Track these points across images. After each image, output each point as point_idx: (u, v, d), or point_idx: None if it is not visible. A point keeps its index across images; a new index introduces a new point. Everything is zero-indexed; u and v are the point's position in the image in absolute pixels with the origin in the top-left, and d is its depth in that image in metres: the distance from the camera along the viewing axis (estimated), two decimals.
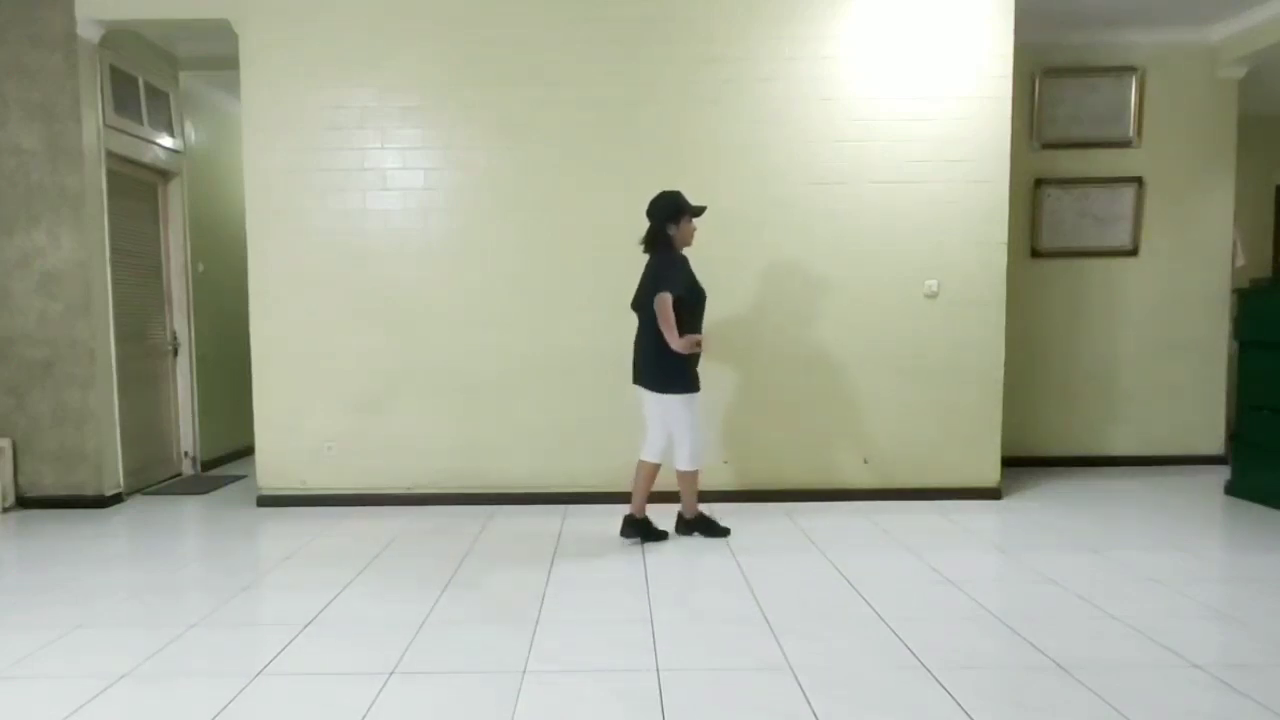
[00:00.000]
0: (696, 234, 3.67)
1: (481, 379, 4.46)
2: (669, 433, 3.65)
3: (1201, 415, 5.40)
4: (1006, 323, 4.48)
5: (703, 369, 4.40)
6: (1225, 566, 3.41)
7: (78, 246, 4.40)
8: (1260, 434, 4.34)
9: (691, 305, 3.57)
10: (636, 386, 3.70)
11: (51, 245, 4.40)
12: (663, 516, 3.85)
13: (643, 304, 3.60)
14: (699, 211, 3.62)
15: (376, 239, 4.43)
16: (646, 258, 3.66)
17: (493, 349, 4.45)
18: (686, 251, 3.66)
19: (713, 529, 3.83)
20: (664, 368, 3.55)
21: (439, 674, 2.39)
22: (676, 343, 3.48)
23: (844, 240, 4.42)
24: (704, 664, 2.43)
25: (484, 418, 4.48)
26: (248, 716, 2.15)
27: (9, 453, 4.41)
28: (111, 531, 4.08)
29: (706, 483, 4.44)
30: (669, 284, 3.48)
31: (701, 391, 3.67)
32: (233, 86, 4.86)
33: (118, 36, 4.64)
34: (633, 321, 4.41)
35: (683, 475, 3.72)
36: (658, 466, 3.72)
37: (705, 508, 4.32)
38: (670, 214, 3.57)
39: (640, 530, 3.73)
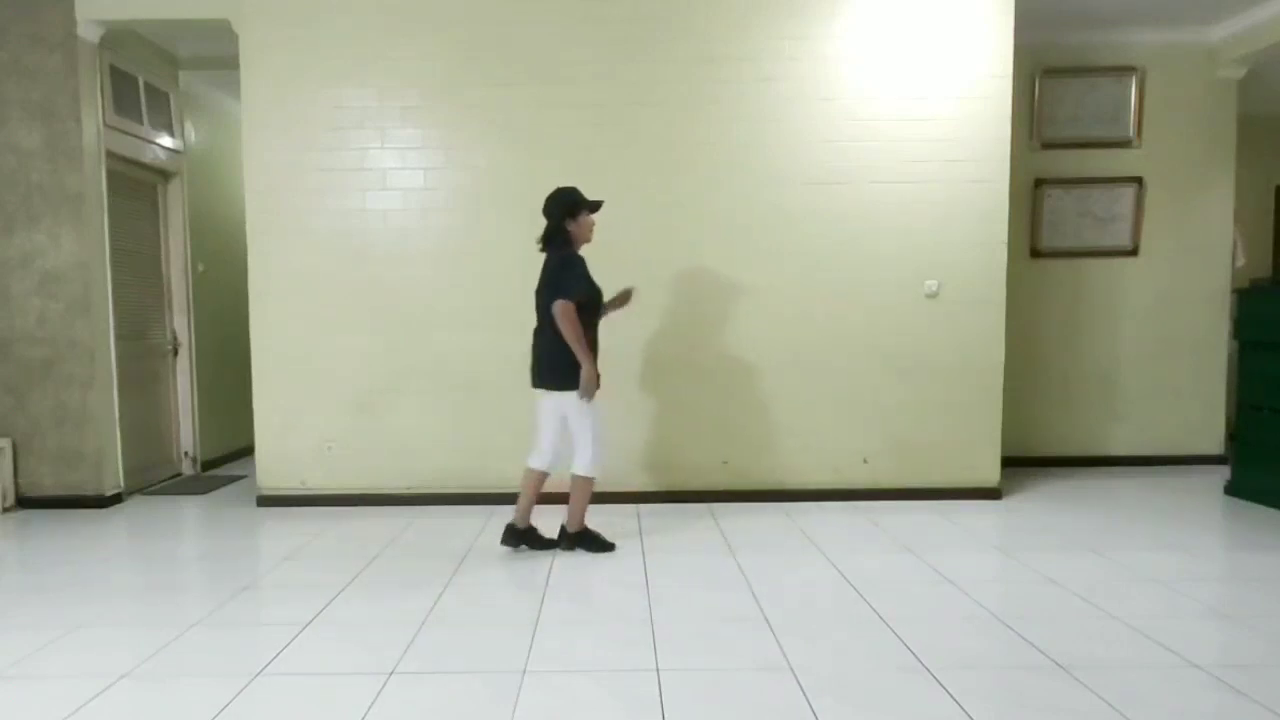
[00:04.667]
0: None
1: (481, 379, 4.46)
2: (562, 435, 3.48)
3: (1201, 415, 5.40)
4: (1006, 323, 4.48)
5: (707, 368, 4.44)
6: (1225, 566, 3.42)
7: (78, 246, 4.40)
8: (1260, 434, 4.33)
9: (591, 307, 3.44)
10: (535, 391, 3.51)
11: (51, 245, 4.40)
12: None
13: (540, 304, 3.45)
14: (597, 206, 3.51)
15: (376, 239, 4.43)
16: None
17: (493, 348, 4.44)
18: (586, 249, 3.49)
19: (597, 543, 3.56)
20: (563, 363, 3.37)
21: (439, 674, 2.39)
22: (585, 358, 3.33)
23: (844, 240, 4.42)
24: (704, 664, 2.43)
25: (484, 418, 4.48)
26: (248, 716, 2.15)
27: (9, 453, 4.41)
28: (111, 531, 4.08)
29: (707, 482, 4.47)
30: (569, 289, 3.32)
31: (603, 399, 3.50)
32: (233, 86, 4.86)
33: (118, 36, 4.64)
34: (634, 320, 4.43)
35: (579, 481, 3.48)
36: (545, 475, 3.56)
37: (706, 507, 4.34)
38: (568, 208, 3.44)
39: (524, 539, 3.57)
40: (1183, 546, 3.61)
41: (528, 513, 3.61)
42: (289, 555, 3.61)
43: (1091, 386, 5.40)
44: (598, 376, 3.40)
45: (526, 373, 4.44)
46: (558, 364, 3.39)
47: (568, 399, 3.43)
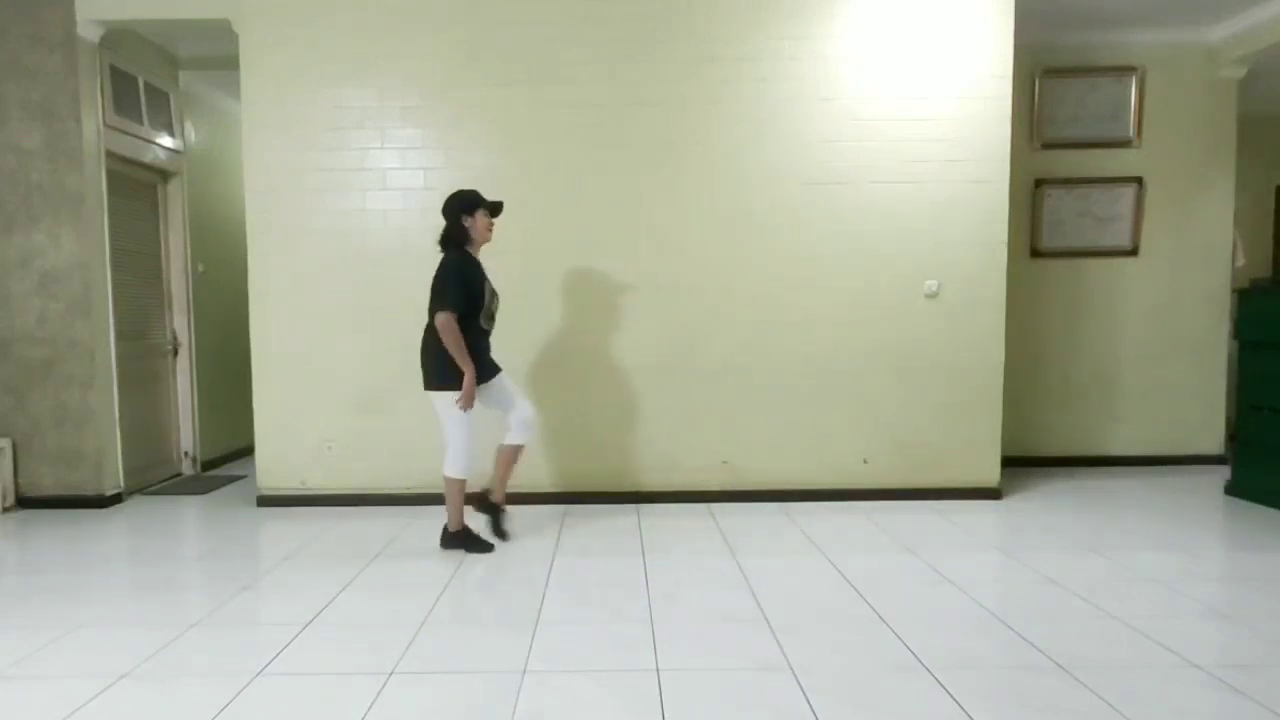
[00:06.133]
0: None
1: None
2: (508, 403, 3.62)
3: (1201, 415, 5.40)
4: (1006, 323, 4.48)
5: (707, 368, 4.44)
6: (1225, 566, 3.41)
7: (78, 246, 4.40)
8: (1260, 434, 4.33)
9: (474, 311, 3.46)
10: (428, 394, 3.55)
11: (51, 245, 4.40)
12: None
13: (431, 306, 3.48)
14: (496, 208, 3.55)
15: (376, 239, 4.43)
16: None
17: (492, 348, 4.44)
18: (485, 249, 3.57)
19: (476, 544, 3.61)
20: (440, 362, 3.44)
21: (439, 674, 2.39)
22: (466, 367, 3.38)
23: (844, 241, 4.42)
24: (704, 664, 2.43)
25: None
26: (248, 716, 2.15)
27: (9, 453, 4.41)
28: (111, 531, 4.08)
29: (707, 482, 4.47)
30: (447, 300, 3.37)
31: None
32: (233, 86, 4.86)
33: (118, 36, 4.64)
34: (632, 321, 4.44)
35: (447, 481, 3.55)
36: (516, 447, 3.70)
37: (705, 507, 4.34)
38: (465, 206, 3.49)
39: (490, 512, 3.73)
40: (1183, 546, 3.61)
41: (502, 489, 3.78)
42: (289, 555, 3.61)
43: (1091, 386, 5.40)
44: (475, 386, 3.45)
45: (525, 371, 4.47)
46: (435, 361, 3.47)
47: (442, 399, 3.48)
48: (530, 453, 4.48)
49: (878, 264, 4.42)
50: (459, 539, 3.61)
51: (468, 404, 3.44)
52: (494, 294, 3.61)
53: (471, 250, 3.56)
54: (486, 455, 3.83)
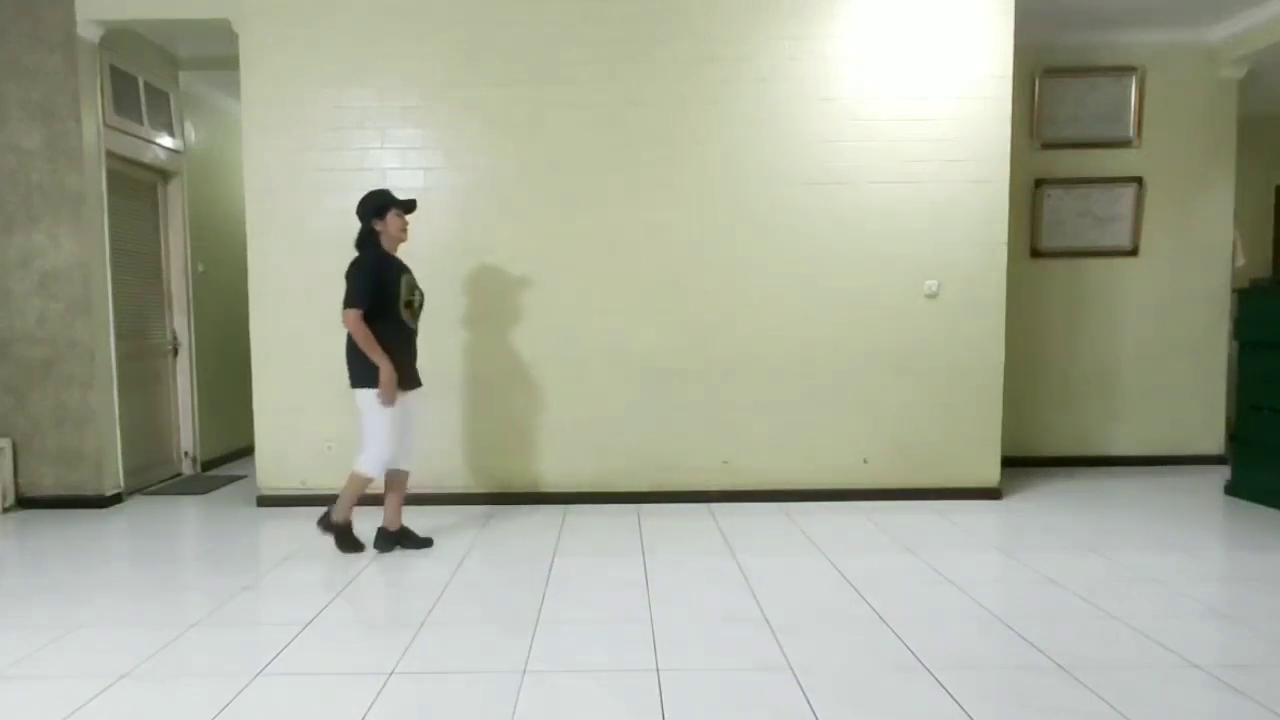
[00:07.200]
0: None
1: (480, 378, 4.46)
2: (403, 430, 3.52)
3: (1201, 415, 5.40)
4: (1006, 323, 4.48)
5: (708, 368, 4.44)
6: (1225, 566, 3.41)
7: (78, 246, 4.40)
8: (1260, 434, 4.33)
9: (388, 308, 3.40)
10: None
11: (51, 245, 4.40)
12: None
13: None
14: (409, 206, 3.53)
15: None
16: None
17: (492, 348, 4.45)
18: (403, 248, 3.54)
19: (349, 542, 3.57)
20: (358, 363, 3.39)
21: (439, 674, 2.39)
22: (380, 361, 3.32)
23: (844, 241, 4.42)
24: (704, 664, 2.43)
25: (484, 417, 4.48)
26: (248, 716, 2.15)
27: (9, 453, 4.41)
28: (111, 531, 4.08)
29: (707, 482, 4.47)
30: (352, 298, 3.33)
31: (401, 403, 3.45)
32: (233, 86, 4.86)
33: (118, 36, 4.64)
34: (632, 321, 4.43)
35: (355, 477, 3.48)
36: (403, 472, 3.62)
37: (706, 507, 4.34)
38: (375, 209, 3.48)
39: (398, 541, 3.62)
40: (1183, 546, 3.61)
41: (397, 514, 3.64)
42: (289, 555, 3.61)
43: (1091, 386, 5.40)
44: (395, 379, 3.38)
45: (525, 372, 4.47)
46: (355, 364, 3.42)
47: (363, 396, 3.43)
48: (532, 452, 4.50)
49: (878, 264, 4.42)
50: (337, 529, 3.56)
51: (389, 397, 3.36)
52: (415, 289, 3.55)
53: (389, 249, 3.52)
54: (419, 455, 3.79)
